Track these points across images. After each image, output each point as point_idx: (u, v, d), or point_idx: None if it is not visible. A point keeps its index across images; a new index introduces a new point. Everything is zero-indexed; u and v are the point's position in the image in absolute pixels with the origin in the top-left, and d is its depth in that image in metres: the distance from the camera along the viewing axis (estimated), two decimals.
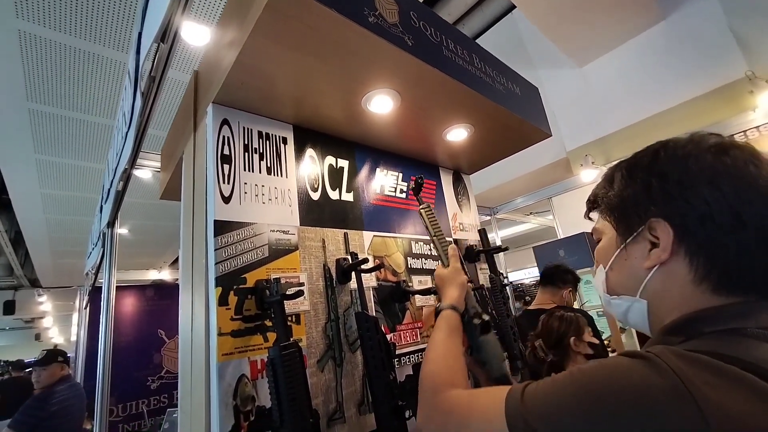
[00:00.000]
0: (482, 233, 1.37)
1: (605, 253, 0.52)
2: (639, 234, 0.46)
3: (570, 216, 3.87)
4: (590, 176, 3.02)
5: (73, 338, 4.15)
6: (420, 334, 1.12)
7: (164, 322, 4.45)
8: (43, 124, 3.16)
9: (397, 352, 1.02)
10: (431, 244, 0.81)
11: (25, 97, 2.91)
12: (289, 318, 0.85)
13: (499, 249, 1.35)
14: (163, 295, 4.59)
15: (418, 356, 1.08)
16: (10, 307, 8.36)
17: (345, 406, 0.88)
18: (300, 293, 0.76)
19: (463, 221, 1.46)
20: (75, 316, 4.91)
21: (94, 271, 3.45)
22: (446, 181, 1.47)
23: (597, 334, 1.53)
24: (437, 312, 0.77)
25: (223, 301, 0.77)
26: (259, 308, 0.81)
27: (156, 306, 4.50)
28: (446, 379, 0.59)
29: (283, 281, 0.81)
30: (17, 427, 2.49)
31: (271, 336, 0.80)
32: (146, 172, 1.56)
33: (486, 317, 0.80)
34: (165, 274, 7.49)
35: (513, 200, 3.60)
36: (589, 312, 2.30)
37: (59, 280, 7.56)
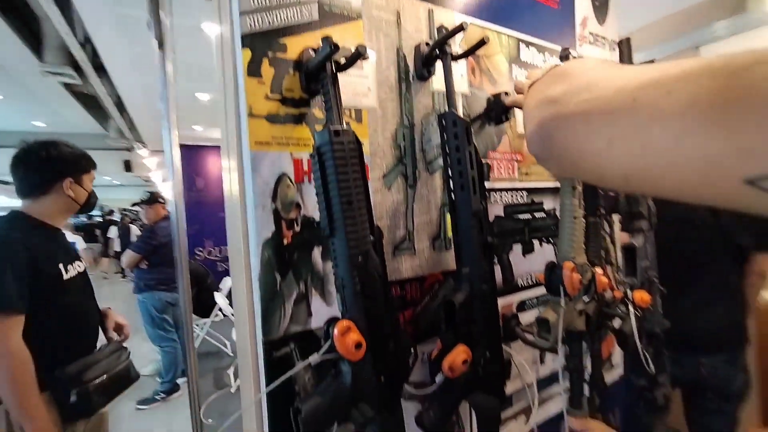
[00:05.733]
0: (625, 45, 0.93)
1: None
2: None
3: None
4: None
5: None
6: (518, 169, 0.85)
7: None
8: None
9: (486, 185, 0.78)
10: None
11: None
12: (348, 113, 0.62)
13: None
14: None
15: (512, 196, 0.83)
16: (127, 166, 9.82)
17: (416, 237, 0.69)
18: (356, 58, 0.50)
19: (596, 31, 1.02)
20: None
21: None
22: None
23: None
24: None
25: (254, 71, 0.54)
26: (306, 90, 0.58)
27: None
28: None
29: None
30: (136, 250, 2.95)
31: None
32: None
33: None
34: None
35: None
36: None
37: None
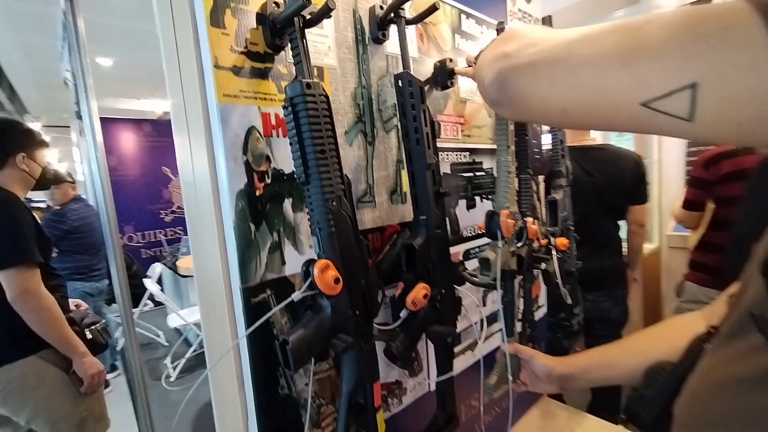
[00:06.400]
0: (548, 22, 1.06)
1: None
2: None
3: None
4: None
5: (80, 177, 3.97)
6: (461, 131, 0.94)
7: (168, 161, 4.37)
8: None
9: None
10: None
11: None
12: None
13: None
14: (162, 133, 4.39)
15: (457, 155, 0.92)
16: None
17: (376, 191, 0.75)
18: (326, 12, 0.52)
19: (524, 8, 1.13)
20: (75, 152, 4.69)
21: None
22: None
23: None
24: None
25: (217, 21, 0.54)
26: (270, 46, 0.59)
27: (156, 143, 4.35)
28: None
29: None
30: None
31: None
32: None
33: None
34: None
35: None
36: None
37: (57, 118, 7.14)
